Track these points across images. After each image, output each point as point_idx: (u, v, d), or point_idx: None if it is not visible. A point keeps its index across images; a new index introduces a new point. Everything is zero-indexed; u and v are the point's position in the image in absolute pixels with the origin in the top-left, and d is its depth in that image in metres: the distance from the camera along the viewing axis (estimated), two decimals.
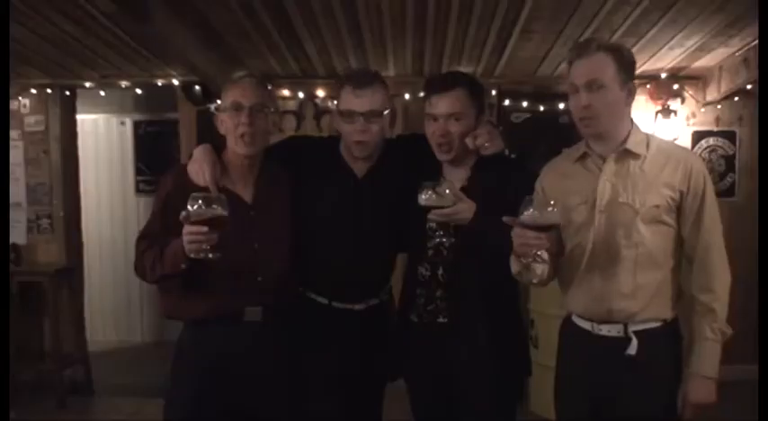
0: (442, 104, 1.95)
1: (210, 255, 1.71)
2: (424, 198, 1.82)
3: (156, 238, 1.88)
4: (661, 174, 1.75)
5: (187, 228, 1.70)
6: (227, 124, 1.95)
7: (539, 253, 1.66)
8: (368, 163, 2.08)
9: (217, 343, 1.90)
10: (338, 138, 2.14)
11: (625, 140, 1.77)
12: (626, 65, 1.74)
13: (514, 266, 1.83)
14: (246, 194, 1.98)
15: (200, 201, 1.68)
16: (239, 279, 1.90)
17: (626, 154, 1.77)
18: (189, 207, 1.68)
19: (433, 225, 1.92)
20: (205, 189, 1.86)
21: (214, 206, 1.69)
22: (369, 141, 2.01)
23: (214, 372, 1.90)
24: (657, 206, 1.73)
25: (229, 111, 1.93)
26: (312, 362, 2.05)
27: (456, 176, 2.01)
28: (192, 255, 1.72)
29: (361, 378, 2.09)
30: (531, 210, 1.63)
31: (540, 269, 1.76)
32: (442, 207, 1.83)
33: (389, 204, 2.05)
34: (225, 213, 1.69)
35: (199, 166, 1.93)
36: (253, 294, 1.93)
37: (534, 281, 1.80)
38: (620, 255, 1.75)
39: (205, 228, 1.68)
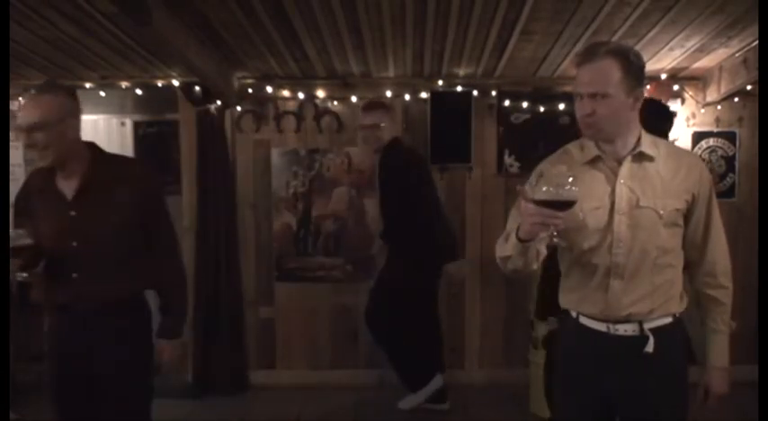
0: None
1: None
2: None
3: None
4: (676, 179, 1.76)
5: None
6: None
7: (555, 233, 1.58)
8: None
9: (58, 329, 2.13)
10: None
11: (638, 143, 1.77)
12: (634, 70, 1.71)
13: (508, 250, 1.73)
14: (69, 193, 2.09)
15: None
16: (61, 274, 2.07)
17: (641, 156, 1.77)
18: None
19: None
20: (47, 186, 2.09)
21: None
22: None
23: (58, 357, 2.12)
24: (678, 210, 1.76)
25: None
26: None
27: None
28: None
29: None
30: (546, 187, 1.52)
31: (532, 256, 1.70)
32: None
33: None
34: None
35: None
36: (75, 289, 2.08)
37: (520, 269, 1.73)
38: (641, 258, 1.75)
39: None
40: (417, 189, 3.64)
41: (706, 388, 1.87)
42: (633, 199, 1.74)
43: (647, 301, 1.76)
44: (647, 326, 1.77)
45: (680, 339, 1.84)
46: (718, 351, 1.86)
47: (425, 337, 3.89)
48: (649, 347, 1.75)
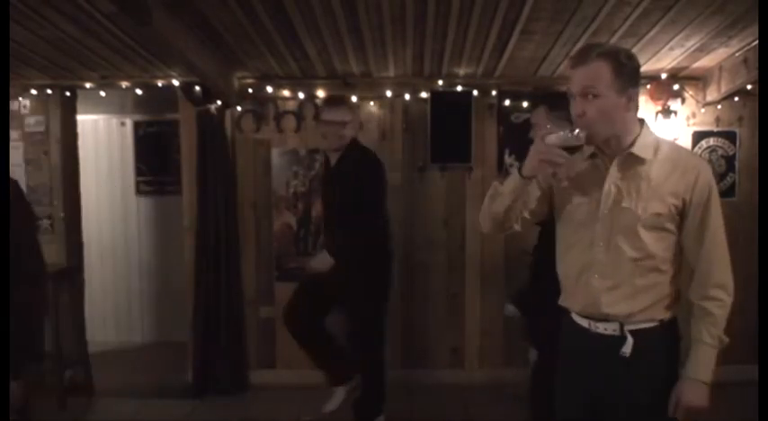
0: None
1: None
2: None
3: None
4: (666, 182, 1.74)
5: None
6: None
7: (556, 174, 1.72)
8: None
9: None
10: None
11: (632, 144, 1.77)
12: (626, 71, 1.71)
13: (502, 188, 1.86)
14: None
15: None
16: None
17: (631, 158, 1.76)
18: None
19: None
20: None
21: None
22: None
23: None
24: (659, 214, 1.73)
25: None
26: None
27: None
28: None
29: None
30: (560, 131, 1.67)
31: (524, 200, 1.83)
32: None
33: None
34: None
35: None
36: None
37: (501, 213, 1.88)
38: (620, 258, 1.75)
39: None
40: (379, 190, 3.47)
41: (677, 398, 1.75)
42: (618, 199, 1.76)
43: (627, 303, 1.75)
44: (627, 327, 1.76)
45: (667, 344, 1.80)
46: (695, 361, 1.75)
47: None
48: (626, 349, 1.74)
